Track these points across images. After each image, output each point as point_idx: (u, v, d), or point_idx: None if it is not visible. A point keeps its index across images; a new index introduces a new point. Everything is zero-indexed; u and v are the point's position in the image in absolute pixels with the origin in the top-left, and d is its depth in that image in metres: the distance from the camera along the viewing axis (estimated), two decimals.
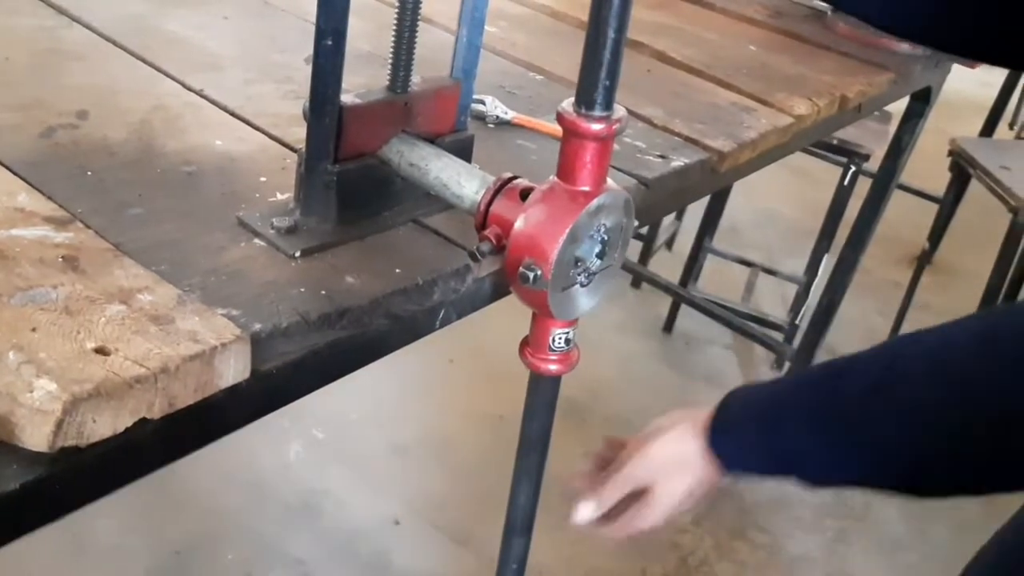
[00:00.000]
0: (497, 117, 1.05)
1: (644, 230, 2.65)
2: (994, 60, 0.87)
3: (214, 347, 0.58)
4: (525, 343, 0.74)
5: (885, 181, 2.02)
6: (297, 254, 0.73)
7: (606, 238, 0.68)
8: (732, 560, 1.93)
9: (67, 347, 0.55)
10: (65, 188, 0.74)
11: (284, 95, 1.01)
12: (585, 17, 0.59)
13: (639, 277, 2.72)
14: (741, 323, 2.42)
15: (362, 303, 0.69)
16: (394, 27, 0.76)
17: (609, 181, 0.67)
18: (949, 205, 2.70)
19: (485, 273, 0.79)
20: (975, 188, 2.43)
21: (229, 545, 1.75)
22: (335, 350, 0.67)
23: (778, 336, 2.46)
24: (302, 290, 0.69)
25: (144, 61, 1.02)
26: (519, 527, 0.84)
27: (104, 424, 0.53)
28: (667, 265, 2.75)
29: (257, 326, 0.63)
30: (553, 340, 0.72)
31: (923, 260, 2.66)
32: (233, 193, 0.80)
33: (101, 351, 0.56)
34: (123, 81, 0.97)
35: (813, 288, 2.44)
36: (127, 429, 0.54)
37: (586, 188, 0.65)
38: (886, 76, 1.49)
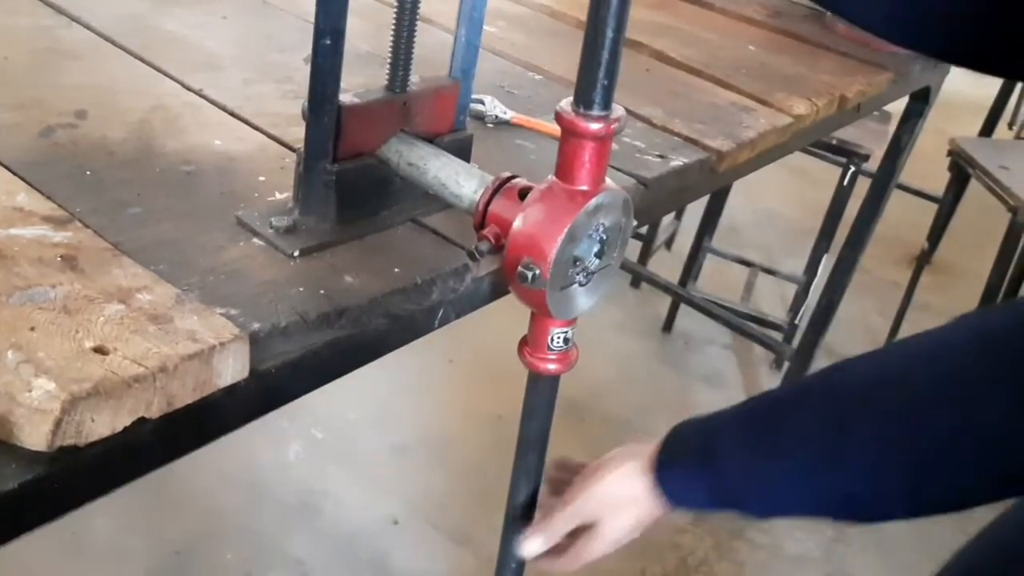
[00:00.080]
0: (496, 117, 1.05)
1: (643, 230, 2.65)
2: (998, 71, 0.87)
3: (213, 346, 0.58)
4: (524, 342, 0.74)
5: (884, 181, 2.02)
6: (296, 253, 0.73)
7: (605, 238, 0.68)
8: (732, 560, 1.93)
9: (66, 346, 0.55)
10: (64, 187, 0.74)
11: (283, 95, 1.01)
12: (584, 17, 0.59)
13: (638, 277, 2.72)
14: (740, 323, 2.42)
15: (361, 302, 0.69)
16: (393, 27, 0.76)
17: (608, 181, 0.67)
18: (948, 205, 2.70)
19: (484, 272, 0.79)
20: (974, 188, 2.43)
21: (228, 545, 1.75)
22: (334, 350, 0.67)
23: (777, 336, 2.46)
24: (301, 289, 0.69)
25: (143, 61, 1.02)
26: (519, 527, 0.84)
27: (103, 423, 0.53)
28: (666, 265, 2.75)
29: (256, 325, 0.63)
30: (552, 339, 0.72)
31: (922, 260, 2.66)
32: (232, 193, 0.80)
33: (100, 350, 0.56)
34: (122, 81, 0.97)
35: (812, 288, 2.44)
36: (126, 428, 0.54)
37: (585, 188, 0.65)
38: (885, 76, 1.49)
